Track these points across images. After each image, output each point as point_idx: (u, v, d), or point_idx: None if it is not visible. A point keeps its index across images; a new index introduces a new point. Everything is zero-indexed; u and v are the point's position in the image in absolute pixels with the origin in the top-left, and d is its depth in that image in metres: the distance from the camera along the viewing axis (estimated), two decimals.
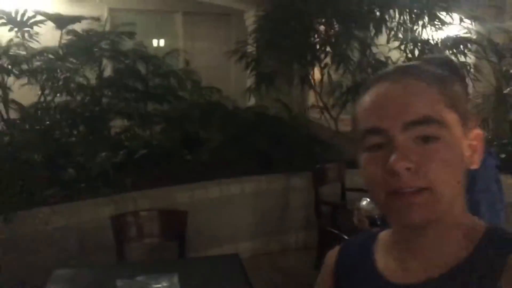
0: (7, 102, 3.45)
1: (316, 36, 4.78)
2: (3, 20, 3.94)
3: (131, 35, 4.07)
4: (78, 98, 3.57)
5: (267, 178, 3.99)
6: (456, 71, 0.74)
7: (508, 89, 5.30)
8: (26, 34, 3.91)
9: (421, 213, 0.61)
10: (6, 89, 3.49)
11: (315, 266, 3.61)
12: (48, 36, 3.90)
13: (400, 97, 0.64)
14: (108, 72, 3.85)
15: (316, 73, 5.05)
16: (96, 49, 3.79)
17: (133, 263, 2.55)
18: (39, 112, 3.39)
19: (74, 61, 3.68)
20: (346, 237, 2.16)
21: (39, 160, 2.92)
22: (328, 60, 4.70)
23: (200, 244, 3.14)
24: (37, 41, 3.79)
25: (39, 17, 4.04)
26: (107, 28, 4.09)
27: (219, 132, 3.86)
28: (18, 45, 3.68)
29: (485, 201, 1.28)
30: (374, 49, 4.78)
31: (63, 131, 3.28)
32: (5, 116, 3.58)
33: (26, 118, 3.26)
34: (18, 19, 3.99)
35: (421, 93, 0.64)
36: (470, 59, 5.01)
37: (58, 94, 3.68)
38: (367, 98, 0.67)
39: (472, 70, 4.82)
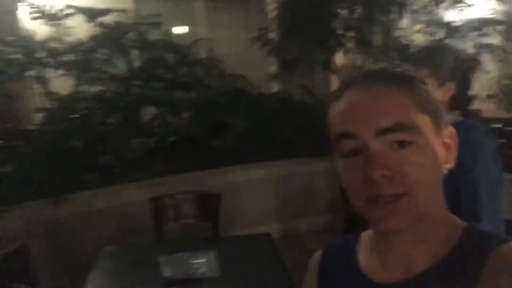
0: (46, 93, 3.65)
1: (338, 21, 4.81)
2: (38, 14, 4.12)
3: (157, 25, 4.20)
4: (112, 88, 3.73)
5: (292, 162, 4.09)
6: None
7: None
8: (58, 28, 4.09)
9: (399, 219, 0.62)
10: (44, 81, 3.68)
11: None
12: (80, 29, 4.06)
13: (371, 104, 0.63)
14: (138, 62, 4.00)
15: (339, 58, 5.08)
16: (124, 41, 3.93)
17: (171, 242, 2.71)
18: (76, 102, 3.56)
19: (105, 52, 3.84)
20: None
21: (78, 147, 3.09)
22: (351, 45, 4.73)
23: (231, 226, 3.29)
24: (70, 35, 3.95)
25: (69, 10, 4.21)
26: (134, 19, 4.23)
27: (245, 118, 3.96)
28: (54, 38, 3.85)
29: (484, 182, 1.29)
30: (397, 33, 4.78)
31: (98, 120, 3.45)
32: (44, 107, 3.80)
33: (64, 108, 3.43)
34: (51, 12, 4.17)
35: (391, 98, 0.63)
36: (497, 40, 4.95)
37: (91, 85, 3.86)
38: (338, 105, 0.67)
39: (499, 52, 4.75)
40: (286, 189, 4.02)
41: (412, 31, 4.85)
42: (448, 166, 0.67)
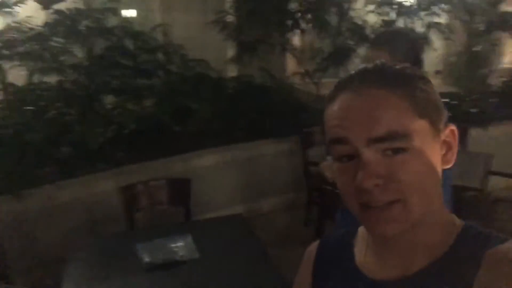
0: (5, 85, 3.52)
1: (295, 2, 4.88)
2: None
3: (114, 11, 4.11)
4: (70, 77, 3.64)
5: (256, 144, 4.18)
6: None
7: (479, 46, 5.56)
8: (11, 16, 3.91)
9: (393, 226, 0.61)
10: (2, 72, 3.54)
11: (304, 223, 3.90)
12: (38, 19, 3.92)
13: (362, 110, 0.61)
14: (97, 50, 3.91)
15: (296, 40, 5.18)
16: (81, 28, 3.82)
17: (144, 230, 2.74)
18: (32, 93, 3.46)
19: (61, 40, 3.73)
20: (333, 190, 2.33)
21: (37, 140, 3.02)
22: (307, 26, 4.83)
23: (200, 210, 3.35)
24: (29, 23, 3.81)
25: None
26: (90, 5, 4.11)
27: (208, 103, 3.99)
28: (12, 28, 3.71)
29: None
30: (351, 13, 4.93)
31: (57, 111, 3.36)
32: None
33: (20, 100, 3.32)
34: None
35: (384, 104, 0.61)
36: (443, 19, 5.22)
37: (47, 75, 3.74)
38: (332, 108, 0.65)
39: (446, 30, 5.02)
40: (251, 170, 4.11)
41: (365, 11, 5.01)
42: (447, 165, 0.66)
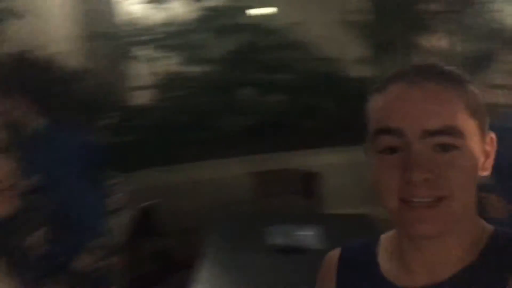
0: (153, 74, 3.99)
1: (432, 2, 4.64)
2: None
3: (249, 8, 4.35)
4: (211, 69, 3.97)
5: None
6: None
7: None
8: (163, 11, 4.39)
9: (432, 226, 0.59)
10: (151, 62, 4.01)
11: None
12: (186, 13, 4.34)
13: (420, 102, 0.59)
14: (235, 45, 4.19)
15: (434, 42, 4.90)
16: (223, 23, 4.13)
17: (274, 215, 2.86)
18: (179, 81, 3.85)
19: (205, 34, 4.08)
20: None
21: (183, 123, 3.37)
22: (444, 27, 4.56)
23: (326, 204, 3.38)
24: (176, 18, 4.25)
25: None
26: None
27: (337, 102, 4.02)
28: (161, 22, 4.17)
29: None
30: (488, 15, 4.53)
31: (199, 98, 3.70)
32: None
33: (169, 87, 3.72)
34: None
35: (442, 98, 0.60)
36: None
37: (190, 65, 4.13)
38: (382, 98, 0.63)
39: None
40: None
41: (505, 13, 4.56)
42: (484, 173, 0.64)
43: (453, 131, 0.58)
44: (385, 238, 0.76)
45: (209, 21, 4.17)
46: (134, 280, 2.17)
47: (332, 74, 4.18)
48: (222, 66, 4.02)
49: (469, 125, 0.60)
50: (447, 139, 0.58)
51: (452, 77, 0.62)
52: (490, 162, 0.65)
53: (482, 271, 0.61)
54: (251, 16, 4.55)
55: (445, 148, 0.58)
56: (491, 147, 0.65)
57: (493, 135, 0.65)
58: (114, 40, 4.19)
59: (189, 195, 3.28)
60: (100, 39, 4.22)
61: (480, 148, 0.62)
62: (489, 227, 0.66)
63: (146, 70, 4.42)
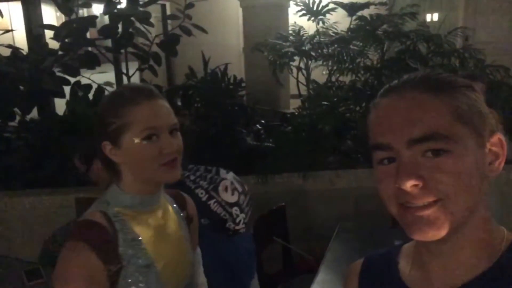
0: (309, 82, 4.19)
1: None
2: (303, 11, 4.69)
3: (412, 15, 4.18)
4: (363, 78, 3.96)
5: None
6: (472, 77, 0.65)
7: None
8: (320, 22, 4.57)
9: (431, 226, 0.60)
10: (308, 70, 4.23)
11: None
12: (344, 24, 4.46)
13: (404, 112, 0.61)
14: (390, 53, 4.11)
15: None
16: (379, 32, 4.07)
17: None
18: (329, 90, 3.96)
19: (360, 44, 4.09)
20: None
21: (327, 131, 3.46)
22: None
23: None
24: (336, 28, 4.39)
25: (331, 6, 4.63)
26: (393, 11, 4.33)
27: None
28: (321, 33, 4.36)
29: None
30: None
31: (348, 107, 3.74)
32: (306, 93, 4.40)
33: (319, 95, 3.86)
34: (314, 8, 4.68)
35: (427, 106, 0.61)
36: None
37: (343, 75, 4.19)
38: (374, 113, 0.66)
39: None
40: None
41: None
42: (494, 174, 0.64)
43: (438, 136, 0.60)
44: (406, 247, 0.79)
45: (365, 30, 4.17)
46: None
47: (500, 82, 3.75)
48: (373, 74, 3.98)
49: (458, 130, 0.61)
50: (433, 145, 0.60)
51: (440, 85, 0.64)
52: (500, 162, 0.65)
53: (499, 281, 0.62)
54: (411, 23, 4.38)
55: (436, 153, 0.60)
56: (499, 148, 0.65)
57: (501, 135, 0.65)
58: (275, 51, 4.54)
59: (323, 202, 3.36)
60: (262, 50, 4.62)
61: (479, 150, 0.62)
62: (509, 234, 0.67)
63: (304, 79, 4.69)
